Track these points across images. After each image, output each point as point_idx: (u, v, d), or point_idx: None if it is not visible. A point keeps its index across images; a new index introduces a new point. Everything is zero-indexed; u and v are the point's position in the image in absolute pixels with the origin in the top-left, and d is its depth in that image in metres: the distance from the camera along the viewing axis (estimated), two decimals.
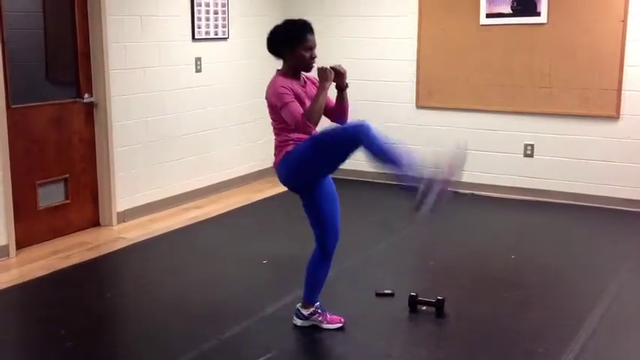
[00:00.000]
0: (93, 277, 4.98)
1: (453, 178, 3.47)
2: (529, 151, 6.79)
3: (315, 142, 3.66)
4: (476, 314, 4.27)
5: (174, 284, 4.74)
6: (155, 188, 6.31)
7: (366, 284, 4.63)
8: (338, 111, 3.89)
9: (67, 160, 5.66)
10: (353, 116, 3.91)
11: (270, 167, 4.25)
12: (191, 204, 6.56)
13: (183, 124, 6.55)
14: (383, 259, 5.24)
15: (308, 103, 3.69)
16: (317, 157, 3.67)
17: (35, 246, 5.37)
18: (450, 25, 6.94)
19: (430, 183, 3.42)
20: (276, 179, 3.94)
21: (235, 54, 7.04)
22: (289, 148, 3.72)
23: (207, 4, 6.65)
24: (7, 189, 5.10)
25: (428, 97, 7.14)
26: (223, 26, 6.85)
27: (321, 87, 3.68)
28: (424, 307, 4.24)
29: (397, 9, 7.15)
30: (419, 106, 7.20)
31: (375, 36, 7.32)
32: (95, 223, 5.92)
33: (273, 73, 3.80)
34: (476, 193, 6.96)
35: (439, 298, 4.21)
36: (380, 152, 3.59)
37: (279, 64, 3.83)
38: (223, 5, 6.83)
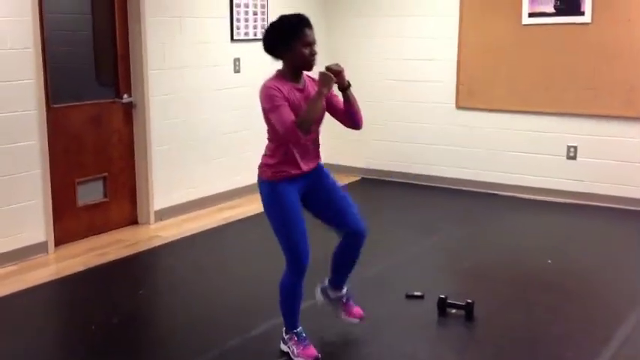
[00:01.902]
0: (127, 274, 5.05)
1: None
2: (572, 153, 6.63)
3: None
4: (506, 318, 4.18)
5: (205, 282, 4.78)
6: (192, 188, 6.38)
7: (397, 285, 4.59)
8: (347, 113, 3.60)
9: (105, 159, 5.76)
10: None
11: None
12: (227, 204, 6.61)
13: (221, 125, 6.60)
14: (417, 261, 5.18)
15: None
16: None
17: (73, 243, 5.48)
18: (492, 24, 6.83)
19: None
20: None
21: None
22: (274, 172, 3.50)
23: (247, 5, 6.70)
24: (47, 187, 5.21)
25: (468, 97, 7.04)
26: (262, 27, 6.88)
27: (318, 93, 3.37)
28: (453, 310, 4.18)
29: (438, 8, 7.08)
30: (459, 107, 7.11)
31: (415, 36, 7.25)
32: (133, 221, 6.01)
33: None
34: (516, 195, 6.85)
35: (468, 301, 4.14)
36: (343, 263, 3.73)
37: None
38: (263, 6, 6.86)
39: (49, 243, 5.24)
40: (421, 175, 7.34)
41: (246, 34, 6.75)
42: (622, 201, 6.40)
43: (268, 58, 7.17)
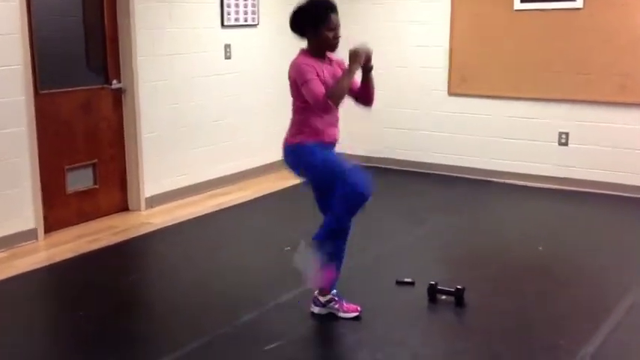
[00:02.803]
0: (117, 261, 5.03)
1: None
2: (564, 140, 6.62)
3: (324, 163, 3.68)
4: (497, 305, 4.18)
5: (195, 269, 4.76)
6: (183, 174, 6.35)
7: (388, 272, 4.57)
8: (363, 95, 3.84)
9: (95, 145, 5.72)
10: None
11: None
12: (219, 190, 6.58)
13: (211, 111, 6.56)
14: (409, 248, 5.17)
15: (331, 82, 3.64)
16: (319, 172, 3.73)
17: (63, 229, 5.45)
18: (484, 9, 6.80)
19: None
20: None
21: (265, 41, 7.01)
22: (303, 139, 3.70)
23: None
24: (36, 173, 5.17)
25: (460, 84, 7.02)
26: (253, 13, 6.83)
27: (349, 69, 3.62)
28: (444, 297, 4.17)
29: None
30: (451, 93, 7.08)
31: (406, 21, 7.21)
32: (124, 208, 5.98)
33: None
34: (508, 182, 6.85)
35: (458, 287, 4.13)
36: (340, 219, 3.69)
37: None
38: None
39: (38, 230, 5.20)
40: (413, 162, 7.32)
41: (237, 19, 6.69)
42: (613, 187, 6.40)
43: (259, 44, 7.14)
